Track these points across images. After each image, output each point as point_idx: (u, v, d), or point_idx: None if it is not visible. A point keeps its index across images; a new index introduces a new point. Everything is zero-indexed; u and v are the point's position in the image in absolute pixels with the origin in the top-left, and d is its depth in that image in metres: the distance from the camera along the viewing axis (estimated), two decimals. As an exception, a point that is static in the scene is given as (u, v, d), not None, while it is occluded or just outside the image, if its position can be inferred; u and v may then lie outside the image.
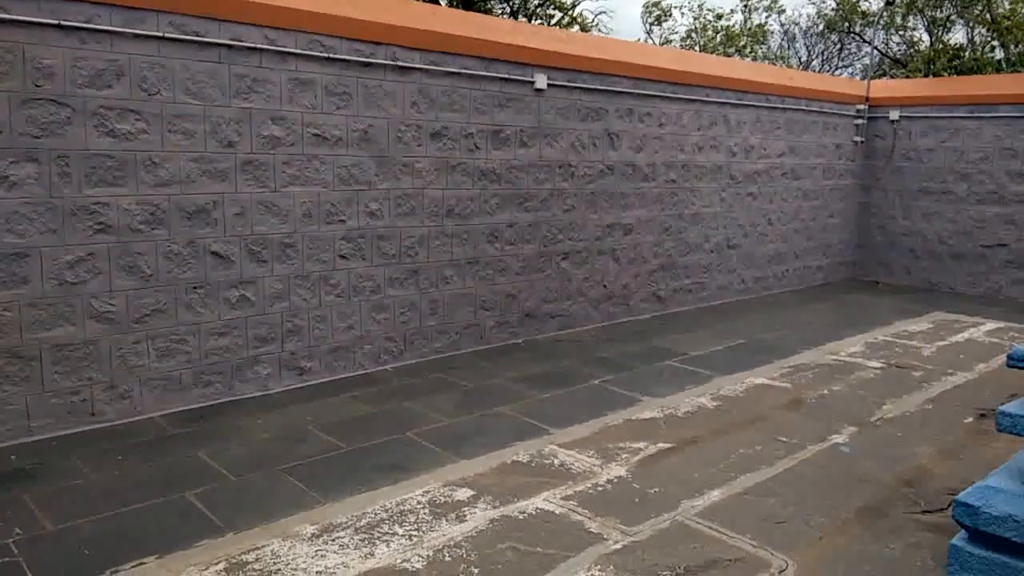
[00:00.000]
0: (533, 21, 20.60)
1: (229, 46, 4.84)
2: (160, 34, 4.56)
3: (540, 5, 20.81)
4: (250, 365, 5.15)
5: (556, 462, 4.12)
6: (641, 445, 4.38)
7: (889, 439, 4.57)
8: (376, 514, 3.49)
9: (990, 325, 7.77)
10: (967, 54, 19.21)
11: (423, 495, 3.69)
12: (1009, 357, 2.75)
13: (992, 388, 5.53)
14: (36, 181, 4.23)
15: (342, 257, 5.55)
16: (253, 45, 4.93)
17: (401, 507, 3.56)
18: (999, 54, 19.30)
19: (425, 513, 3.50)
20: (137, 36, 4.49)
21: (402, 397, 5.19)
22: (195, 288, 4.86)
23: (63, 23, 4.22)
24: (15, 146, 4.15)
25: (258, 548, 3.18)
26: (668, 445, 4.39)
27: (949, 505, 3.30)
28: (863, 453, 4.34)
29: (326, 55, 5.28)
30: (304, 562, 3.07)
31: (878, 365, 6.19)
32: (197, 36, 4.71)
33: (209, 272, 4.91)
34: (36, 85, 4.19)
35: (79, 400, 4.47)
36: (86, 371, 4.48)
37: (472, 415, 4.86)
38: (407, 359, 5.99)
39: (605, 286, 7.50)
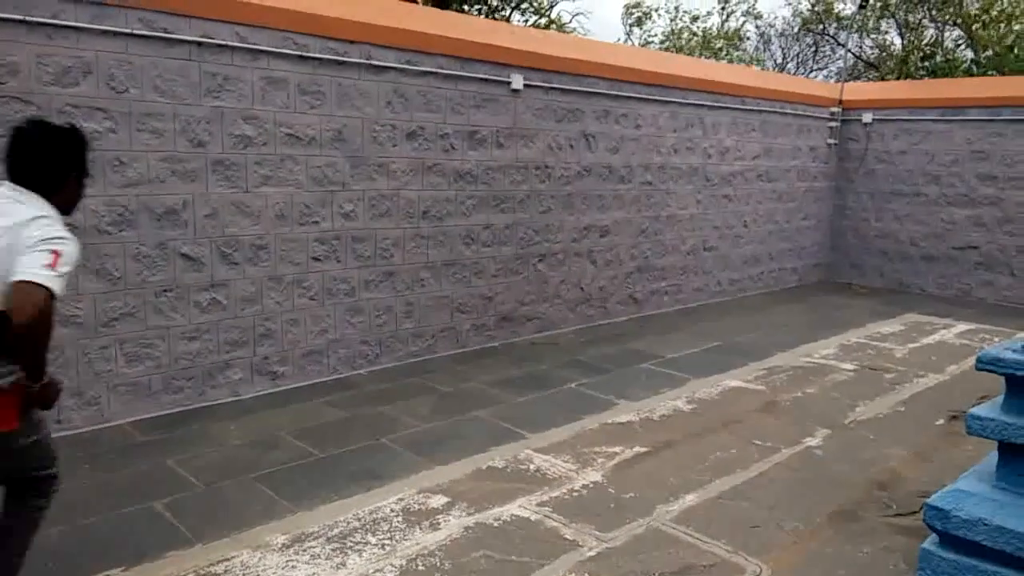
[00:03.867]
0: (511, 17, 20.57)
1: (199, 43, 4.76)
2: (129, 30, 4.47)
3: (515, 7, 20.79)
4: (221, 370, 5.06)
5: (532, 467, 4.10)
6: (617, 449, 4.37)
7: (862, 442, 4.60)
8: (349, 523, 3.44)
9: (961, 327, 7.88)
10: (939, 56, 19.50)
11: (397, 503, 3.64)
12: (979, 360, 2.76)
13: (963, 389, 5.60)
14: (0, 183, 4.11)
15: (316, 259, 5.48)
16: (224, 43, 4.84)
17: (374, 515, 3.51)
18: (970, 54, 19.62)
19: (399, 521, 3.46)
20: (105, 32, 4.39)
21: (377, 402, 5.13)
22: (165, 291, 4.76)
23: (28, 19, 4.11)
24: (-23, 145, 4.03)
25: (227, 559, 3.11)
26: (644, 449, 4.39)
27: (921, 508, 3.32)
28: (836, 456, 4.36)
29: (299, 53, 5.20)
30: (274, 573, 3.01)
31: (851, 367, 6.24)
32: (167, 33, 4.62)
33: (179, 275, 4.82)
34: (0, 82, 4.07)
35: (44, 406, 4.36)
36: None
37: (448, 420, 4.82)
38: (382, 363, 5.93)
39: (582, 288, 7.49)
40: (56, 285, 2.14)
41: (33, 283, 2.09)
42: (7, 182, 2.35)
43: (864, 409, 5.19)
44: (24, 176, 2.33)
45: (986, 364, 2.73)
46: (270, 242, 5.21)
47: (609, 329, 7.46)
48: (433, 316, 6.26)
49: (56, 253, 2.16)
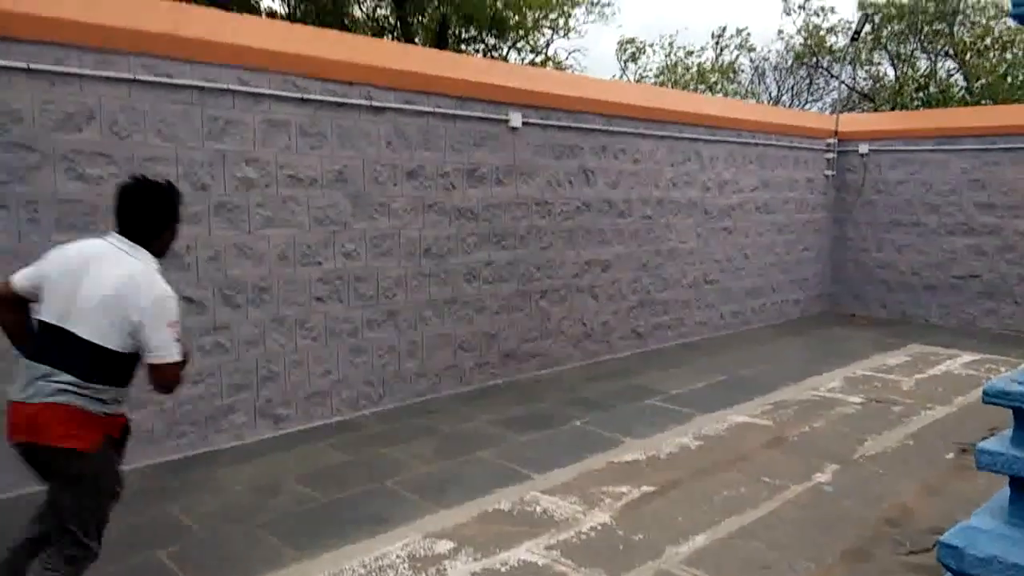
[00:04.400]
0: (508, 56, 20.85)
1: (201, 88, 4.80)
2: (132, 76, 4.51)
3: (513, 46, 21.08)
4: (225, 414, 5.02)
5: (539, 509, 4.04)
6: (624, 489, 4.31)
7: (872, 477, 4.54)
8: (354, 570, 3.38)
9: (966, 357, 7.84)
10: (931, 86, 19.72)
11: (402, 548, 3.58)
12: (985, 393, 2.73)
13: (972, 421, 5.55)
14: (3, 228, 4.12)
15: (318, 300, 5.46)
16: (226, 87, 4.89)
17: (380, 562, 3.45)
18: (962, 83, 19.84)
19: (405, 568, 3.40)
20: (108, 79, 4.43)
21: (381, 444, 5.08)
22: (167, 335, 4.73)
23: (32, 67, 4.15)
24: (-20, 193, 4.05)
25: (231, 611, 3.05)
26: (651, 488, 4.33)
27: (934, 546, 3.26)
28: (846, 492, 4.30)
29: (300, 96, 5.25)
30: (279, 625, 2.95)
31: (858, 400, 6.19)
32: (169, 78, 4.66)
33: (182, 318, 4.78)
34: (4, 130, 4.10)
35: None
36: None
37: (452, 461, 4.77)
38: (386, 404, 5.89)
39: (584, 324, 7.47)
40: (180, 351, 2.70)
41: (168, 362, 2.65)
42: (114, 233, 2.76)
43: (872, 443, 5.14)
44: (129, 229, 2.74)
45: (992, 397, 2.70)
46: (272, 283, 5.20)
47: (613, 364, 7.42)
48: (436, 355, 6.23)
49: (173, 325, 2.67)
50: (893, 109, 19.54)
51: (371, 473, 4.54)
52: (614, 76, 26.04)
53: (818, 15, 22.31)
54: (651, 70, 26.29)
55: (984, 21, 19.14)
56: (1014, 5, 3.04)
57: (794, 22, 31.00)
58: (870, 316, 10.31)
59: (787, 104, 24.70)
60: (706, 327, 8.91)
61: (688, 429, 5.42)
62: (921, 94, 19.71)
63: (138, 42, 4.52)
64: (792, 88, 24.87)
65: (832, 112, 14.58)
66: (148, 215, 2.77)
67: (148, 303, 2.61)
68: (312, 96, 5.30)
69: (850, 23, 21.86)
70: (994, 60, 18.91)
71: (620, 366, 7.35)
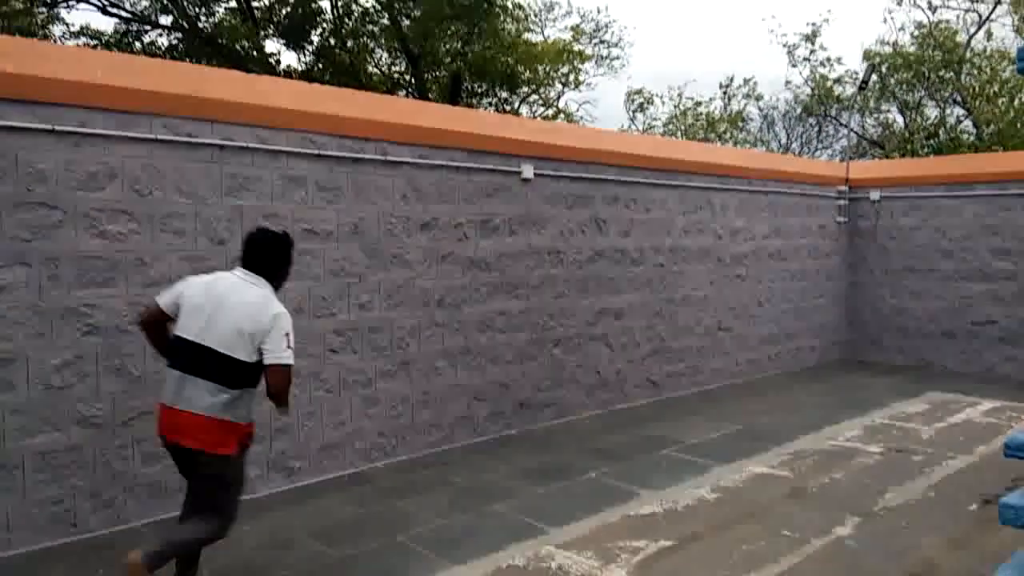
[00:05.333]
0: (519, 112, 21.22)
1: (221, 146, 4.92)
2: (153, 136, 4.63)
3: (524, 100, 21.48)
4: (237, 466, 5.01)
5: (554, 565, 3.98)
6: (641, 544, 4.24)
7: (894, 530, 4.45)
8: (367, 629, 3.33)
9: (987, 404, 7.72)
10: (941, 133, 19.83)
11: (416, 606, 3.53)
12: (1006, 446, 2.70)
13: (994, 472, 5.44)
14: (25, 285, 4.20)
15: (332, 351, 5.49)
16: (245, 144, 5.01)
17: (394, 620, 3.40)
18: (971, 129, 19.93)
19: (419, 626, 3.35)
20: (130, 139, 4.56)
21: (394, 497, 5.04)
22: (182, 388, 4.77)
23: (57, 128, 4.28)
24: (5, 250, 4.14)
25: (243, 671, 3.01)
26: (669, 543, 4.26)
27: (962, 604, 3.18)
28: (868, 546, 4.21)
29: (317, 152, 5.37)
30: None
31: (878, 450, 6.10)
32: (190, 137, 4.79)
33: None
34: (28, 189, 4.21)
35: (61, 510, 4.32)
36: (70, 479, 4.35)
37: (466, 515, 4.72)
38: (399, 455, 5.86)
39: (598, 372, 7.44)
40: (292, 358, 3.40)
41: (281, 365, 3.34)
42: (240, 268, 3.53)
43: (894, 495, 5.05)
44: (255, 267, 3.52)
45: (1015, 451, 2.67)
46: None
47: (628, 414, 7.37)
48: (450, 405, 6.22)
49: (287, 336, 3.38)
50: (903, 156, 19.63)
51: (384, 527, 4.50)
52: (623, 126, 26.42)
53: (824, 65, 22.59)
54: (659, 119, 26.65)
55: (991, 68, 19.31)
56: (1020, 59, 3.09)
57: (800, 73, 31.41)
58: (887, 362, 10.20)
59: (797, 152, 24.88)
60: (721, 375, 8.85)
61: (705, 480, 5.34)
62: (931, 141, 19.81)
63: (162, 104, 4.65)
64: (802, 136, 25.09)
65: (842, 159, 14.69)
66: (269, 258, 3.56)
67: (268, 320, 3.33)
68: (329, 152, 5.42)
69: (856, 73, 22.12)
70: (1003, 107, 19.01)
71: (635, 415, 7.30)
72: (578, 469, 5.62)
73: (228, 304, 3.34)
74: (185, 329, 3.35)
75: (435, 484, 5.29)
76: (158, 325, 3.49)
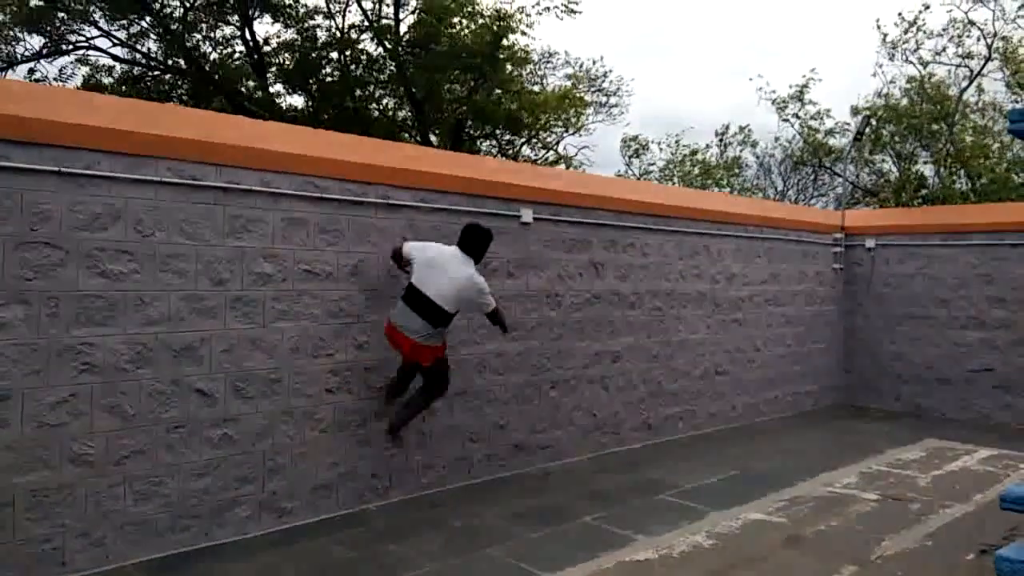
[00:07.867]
0: (520, 154, 21.51)
1: (225, 189, 5.00)
2: (158, 178, 4.71)
3: (526, 142, 21.78)
4: (229, 507, 4.98)
5: (547, 611, 3.93)
6: (635, 590, 4.20)
7: (891, 579, 4.41)
8: (357, 674, 3.28)
9: (984, 452, 7.70)
10: (933, 183, 20.07)
11: (407, 651, 3.49)
12: (1002, 499, 2.72)
13: (992, 520, 5.40)
14: (24, 322, 4.24)
15: (328, 391, 5.50)
16: (248, 187, 5.09)
17: (383, 666, 3.36)
18: (964, 182, 20.15)
19: (409, 672, 3.30)
20: (136, 181, 4.63)
21: (387, 539, 5.00)
22: (177, 427, 4.77)
23: (63, 170, 4.36)
24: (6, 288, 4.18)
25: None
26: (663, 589, 4.22)
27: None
28: (865, 596, 4.17)
29: (320, 195, 5.45)
30: None
31: (874, 497, 6.06)
32: (194, 180, 4.87)
33: (192, 410, 4.85)
34: (32, 229, 4.27)
35: (51, 548, 4.29)
36: (60, 517, 4.32)
37: (459, 559, 4.68)
38: (392, 496, 5.83)
39: (595, 415, 7.43)
40: (494, 302, 5.46)
41: (492, 307, 5.46)
42: (457, 247, 5.47)
43: (890, 543, 5.01)
44: (468, 249, 5.45)
45: (1011, 504, 2.68)
46: (284, 375, 5.26)
47: (624, 456, 7.33)
48: (444, 446, 6.20)
49: (489, 293, 5.42)
50: (897, 205, 19.81)
51: (377, 570, 4.45)
52: (619, 171, 26.76)
53: (815, 119, 22.84)
54: (655, 166, 27.01)
55: (984, 122, 19.62)
56: (1011, 120, 3.17)
57: (792, 126, 31.90)
58: (884, 408, 10.17)
59: (793, 198, 25.13)
60: (718, 418, 8.82)
61: (701, 527, 5.31)
62: (924, 191, 20.02)
63: (170, 148, 4.75)
64: (798, 183, 25.38)
65: (837, 207, 14.84)
66: (479, 244, 5.48)
67: (478, 286, 5.33)
68: (331, 195, 5.50)
69: (847, 125, 22.42)
70: (995, 159, 19.26)
71: (631, 458, 7.26)
72: (573, 513, 5.58)
73: (450, 270, 5.22)
74: (416, 279, 5.23)
75: (428, 526, 5.25)
76: (397, 257, 5.51)
